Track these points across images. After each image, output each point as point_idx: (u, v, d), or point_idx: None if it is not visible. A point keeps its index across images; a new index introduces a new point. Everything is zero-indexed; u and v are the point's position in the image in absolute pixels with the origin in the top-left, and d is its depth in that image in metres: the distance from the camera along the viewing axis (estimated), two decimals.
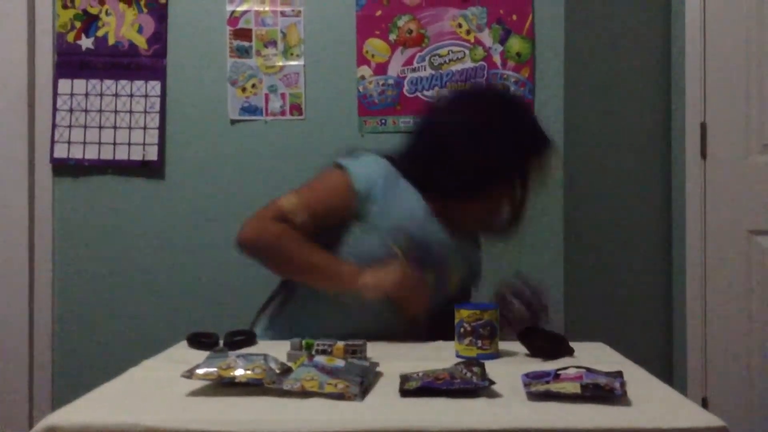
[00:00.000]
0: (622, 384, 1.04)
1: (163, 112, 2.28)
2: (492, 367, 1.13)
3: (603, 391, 1.01)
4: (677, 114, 2.42)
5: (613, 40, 2.40)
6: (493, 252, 2.22)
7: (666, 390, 1.12)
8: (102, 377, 1.18)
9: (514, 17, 2.20)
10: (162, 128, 2.28)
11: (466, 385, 1.05)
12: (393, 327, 1.44)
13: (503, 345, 1.36)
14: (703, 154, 2.38)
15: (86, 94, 2.28)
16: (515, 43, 2.21)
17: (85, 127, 2.28)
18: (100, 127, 2.28)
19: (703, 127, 2.38)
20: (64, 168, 2.30)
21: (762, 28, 2.35)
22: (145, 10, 2.27)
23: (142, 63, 2.27)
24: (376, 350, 1.31)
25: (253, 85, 2.26)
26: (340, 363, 1.14)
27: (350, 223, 1.44)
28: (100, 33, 2.28)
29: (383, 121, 2.23)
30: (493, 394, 1.05)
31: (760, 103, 2.35)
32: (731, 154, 2.38)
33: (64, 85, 2.28)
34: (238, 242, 1.46)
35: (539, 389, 1.03)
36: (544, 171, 1.48)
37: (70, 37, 2.29)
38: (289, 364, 1.16)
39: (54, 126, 2.28)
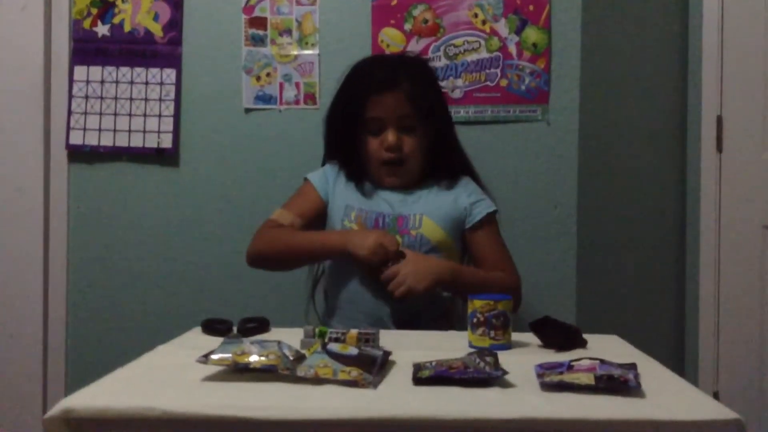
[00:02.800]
0: (636, 376, 1.04)
1: (178, 100, 2.28)
2: (505, 358, 1.14)
3: (617, 383, 1.01)
4: (693, 107, 2.40)
5: (630, 32, 2.38)
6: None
7: (680, 382, 1.12)
8: (116, 363, 1.19)
9: (531, 8, 2.19)
10: (177, 116, 2.28)
11: (480, 374, 1.05)
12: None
13: (516, 336, 1.37)
14: (719, 148, 2.37)
15: (102, 81, 2.29)
16: (531, 34, 2.19)
17: (101, 114, 2.29)
18: (116, 114, 2.29)
19: (720, 120, 2.36)
20: (79, 155, 2.31)
21: None
22: None
23: (157, 50, 2.28)
24: (389, 339, 1.31)
25: (268, 74, 2.26)
26: (353, 351, 1.14)
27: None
28: (116, 20, 2.29)
29: None
30: (506, 384, 1.05)
31: None
32: (747, 148, 2.36)
33: (80, 71, 2.29)
34: (247, 260, 1.74)
35: (553, 380, 1.03)
36: (388, 110, 1.69)
37: (86, 24, 2.29)
38: (303, 351, 1.17)
39: (69, 113, 2.29)
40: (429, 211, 1.71)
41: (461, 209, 1.74)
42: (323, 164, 1.86)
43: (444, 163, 1.77)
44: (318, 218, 1.76)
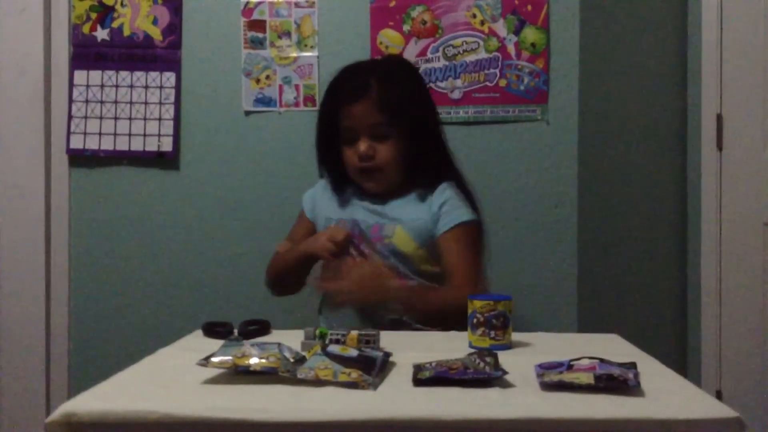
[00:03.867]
0: (636, 375, 1.04)
1: (177, 104, 2.29)
2: (505, 358, 1.14)
3: (617, 382, 1.01)
4: (693, 105, 2.40)
5: (629, 30, 2.38)
6: (506, 245, 2.23)
7: (680, 381, 1.12)
8: (118, 366, 1.19)
9: (529, 7, 2.19)
10: (177, 119, 2.29)
11: (480, 375, 1.05)
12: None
13: (516, 336, 1.37)
14: (719, 146, 2.37)
15: (102, 86, 2.30)
16: (530, 34, 2.20)
17: (101, 118, 2.30)
18: (116, 118, 2.30)
19: (719, 118, 2.36)
20: (80, 159, 2.32)
21: None
22: (159, 2, 2.28)
23: (157, 54, 2.28)
24: (389, 340, 1.32)
25: (267, 77, 2.26)
26: (353, 352, 1.14)
27: None
28: (115, 24, 2.29)
29: None
30: (506, 385, 1.05)
31: None
32: (747, 146, 2.35)
33: (79, 76, 2.30)
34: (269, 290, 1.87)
35: (552, 379, 1.03)
36: (358, 120, 1.69)
37: (86, 29, 2.30)
38: (303, 353, 1.17)
39: (70, 117, 2.30)
40: (404, 221, 1.69)
41: (434, 219, 1.70)
42: (321, 174, 1.86)
43: (424, 168, 1.74)
44: None
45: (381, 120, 1.67)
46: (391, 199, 1.75)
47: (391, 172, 1.71)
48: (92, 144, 2.30)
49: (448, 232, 1.69)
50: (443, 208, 1.70)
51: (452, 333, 1.50)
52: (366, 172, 1.71)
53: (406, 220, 1.70)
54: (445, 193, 1.73)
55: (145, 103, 2.29)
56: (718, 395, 2.32)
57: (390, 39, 2.23)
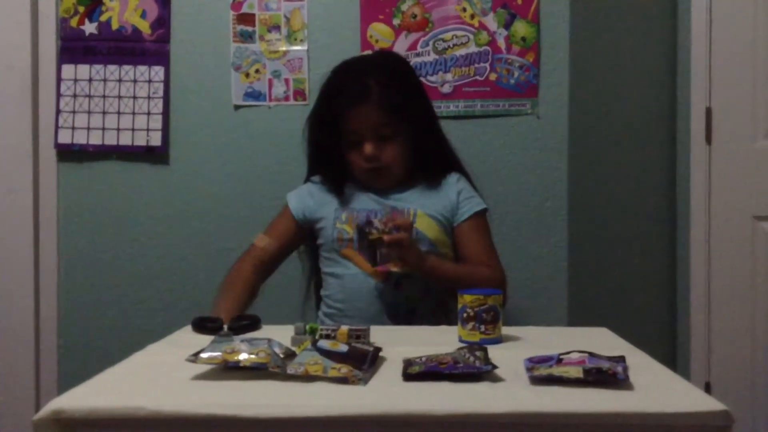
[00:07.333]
0: (625, 368, 1.05)
1: (166, 98, 2.27)
2: (494, 352, 1.14)
3: (606, 376, 1.01)
4: (682, 98, 2.41)
5: (619, 24, 2.38)
6: (496, 239, 2.22)
7: (668, 375, 1.13)
8: (107, 362, 1.19)
9: (519, 1, 2.19)
10: (166, 114, 2.27)
11: (470, 369, 1.06)
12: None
13: (506, 330, 1.37)
14: (708, 140, 2.37)
15: (90, 80, 2.28)
16: (520, 28, 2.19)
17: (89, 112, 2.28)
18: (104, 113, 2.28)
19: (709, 111, 2.37)
20: (68, 154, 2.30)
21: None
22: None
23: (145, 48, 2.27)
24: (379, 335, 1.32)
25: (257, 71, 2.25)
26: (343, 347, 1.14)
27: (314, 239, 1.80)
28: (103, 18, 2.27)
29: None
30: (496, 379, 1.06)
31: (766, 87, 2.34)
32: (737, 139, 2.36)
33: (67, 70, 2.28)
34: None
35: (542, 373, 1.04)
36: (362, 124, 1.67)
37: (74, 22, 2.28)
38: (293, 348, 1.17)
39: (58, 112, 2.29)
40: (422, 207, 1.71)
41: (451, 206, 1.74)
42: (307, 177, 1.84)
43: (430, 161, 1.76)
44: (294, 238, 1.79)
45: (384, 121, 1.68)
46: (398, 191, 1.75)
47: (398, 169, 1.73)
48: (80, 138, 2.28)
49: (467, 221, 1.73)
50: (461, 197, 1.75)
51: (443, 327, 1.51)
52: (373, 172, 1.71)
53: (423, 204, 1.72)
54: (459, 182, 1.78)
55: (134, 97, 2.27)
56: (707, 387, 2.34)
57: (380, 33, 2.22)
